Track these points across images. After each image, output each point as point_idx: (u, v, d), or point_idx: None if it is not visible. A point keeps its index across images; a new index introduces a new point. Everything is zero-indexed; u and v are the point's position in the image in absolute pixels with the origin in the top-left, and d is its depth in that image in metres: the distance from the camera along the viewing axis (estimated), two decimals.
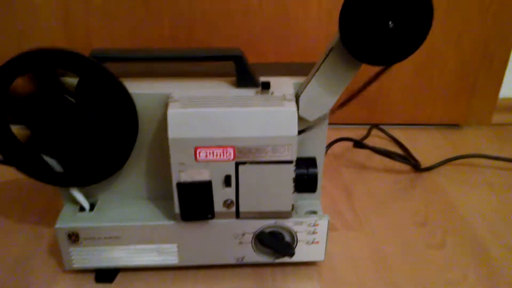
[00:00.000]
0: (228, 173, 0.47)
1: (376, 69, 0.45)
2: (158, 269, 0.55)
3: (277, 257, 0.54)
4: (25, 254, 0.57)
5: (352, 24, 0.41)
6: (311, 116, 0.49)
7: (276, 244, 0.52)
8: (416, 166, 0.78)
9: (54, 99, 0.45)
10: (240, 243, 0.52)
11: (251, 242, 0.52)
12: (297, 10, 0.82)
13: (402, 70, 0.88)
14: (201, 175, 0.47)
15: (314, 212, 0.54)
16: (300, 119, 0.48)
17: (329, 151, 0.83)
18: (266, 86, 0.48)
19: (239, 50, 0.48)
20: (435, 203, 0.70)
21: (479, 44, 0.86)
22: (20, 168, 0.49)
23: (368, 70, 0.46)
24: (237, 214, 0.50)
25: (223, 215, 0.50)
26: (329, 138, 0.55)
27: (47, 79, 0.45)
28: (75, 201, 0.53)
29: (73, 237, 0.51)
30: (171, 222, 0.51)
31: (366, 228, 0.64)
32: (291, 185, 0.48)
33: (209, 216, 0.50)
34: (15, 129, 0.47)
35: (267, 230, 0.52)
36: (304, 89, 0.47)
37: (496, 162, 0.81)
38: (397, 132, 0.90)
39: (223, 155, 0.46)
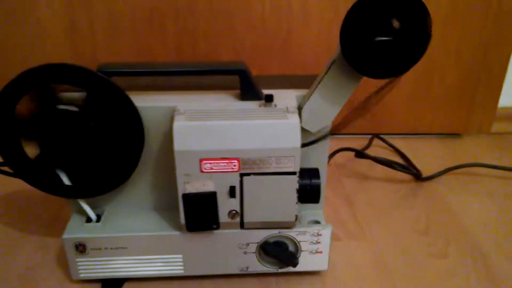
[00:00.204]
0: (232, 184, 0.48)
1: (376, 81, 0.46)
2: (163, 279, 0.55)
3: (281, 267, 0.54)
4: (33, 264, 0.58)
5: (353, 38, 0.42)
6: (313, 128, 0.50)
7: (280, 253, 0.53)
8: (417, 176, 0.79)
9: (62, 114, 0.46)
10: (245, 253, 0.53)
11: (256, 252, 0.53)
12: (298, 24, 0.83)
13: (402, 80, 0.89)
14: (206, 187, 0.48)
15: (317, 222, 0.55)
16: (303, 130, 0.49)
17: (331, 161, 0.84)
18: (269, 99, 0.49)
19: (243, 64, 0.49)
20: (436, 212, 0.70)
21: (478, 54, 0.88)
22: (29, 181, 0.50)
23: (370, 83, 0.47)
24: (242, 225, 0.51)
25: (228, 226, 0.51)
26: (331, 148, 0.56)
27: (54, 94, 0.46)
28: (82, 212, 0.54)
29: (80, 248, 0.52)
30: (177, 233, 0.52)
31: (368, 237, 0.64)
32: (294, 195, 0.49)
33: (214, 226, 0.50)
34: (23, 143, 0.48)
35: (271, 240, 0.53)
36: (306, 101, 0.48)
37: (496, 171, 0.81)
38: (398, 142, 0.90)
39: (228, 167, 0.47)
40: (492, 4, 0.83)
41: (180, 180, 0.48)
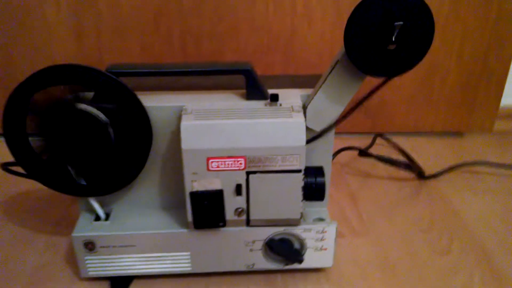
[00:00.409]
0: (239, 182, 0.49)
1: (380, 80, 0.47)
2: (171, 276, 0.56)
3: (287, 264, 0.55)
4: (42, 262, 0.59)
5: (357, 39, 0.43)
6: (318, 127, 0.50)
7: (286, 251, 0.54)
8: (420, 174, 0.79)
9: (72, 113, 0.47)
10: (251, 250, 0.54)
11: (261, 249, 0.54)
12: (301, 24, 0.84)
13: (404, 80, 0.90)
14: (213, 185, 0.49)
15: (322, 219, 0.55)
16: (308, 129, 0.49)
17: (335, 160, 0.85)
18: (274, 98, 0.50)
19: (249, 64, 0.49)
20: (439, 209, 0.71)
21: (480, 54, 0.88)
22: (41, 180, 0.50)
23: (373, 82, 0.47)
24: (248, 222, 0.52)
25: (234, 223, 0.52)
26: (335, 147, 0.57)
27: (64, 94, 0.47)
28: (91, 211, 0.54)
29: (89, 246, 0.52)
30: (184, 230, 0.52)
31: (372, 234, 0.65)
32: (300, 193, 0.50)
33: (221, 224, 0.51)
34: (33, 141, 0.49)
35: (277, 237, 0.53)
36: (311, 100, 0.49)
37: (498, 169, 0.82)
38: (401, 141, 0.91)
39: (234, 165, 0.48)
40: (493, 4, 0.84)
41: (187, 178, 0.48)
